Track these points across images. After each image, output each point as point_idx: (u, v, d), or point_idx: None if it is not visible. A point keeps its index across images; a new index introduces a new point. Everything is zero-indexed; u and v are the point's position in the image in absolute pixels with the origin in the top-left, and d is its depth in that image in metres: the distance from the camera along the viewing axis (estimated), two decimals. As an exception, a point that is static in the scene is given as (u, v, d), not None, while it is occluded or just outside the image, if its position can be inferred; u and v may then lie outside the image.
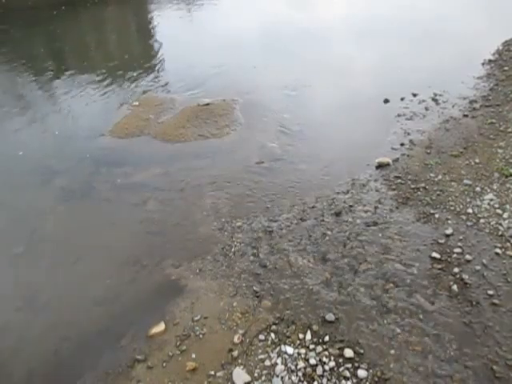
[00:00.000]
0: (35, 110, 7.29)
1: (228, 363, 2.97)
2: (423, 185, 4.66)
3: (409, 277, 3.53)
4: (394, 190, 4.66)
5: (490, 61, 7.91)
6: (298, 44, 9.75)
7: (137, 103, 7.17)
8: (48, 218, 4.66)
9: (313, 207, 4.53)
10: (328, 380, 2.82)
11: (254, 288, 3.57)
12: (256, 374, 2.89)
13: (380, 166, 5.12)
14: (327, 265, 3.74)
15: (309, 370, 2.88)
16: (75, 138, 6.29)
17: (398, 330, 3.10)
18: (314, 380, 2.82)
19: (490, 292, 3.32)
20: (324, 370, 2.87)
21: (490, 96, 6.52)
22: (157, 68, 8.97)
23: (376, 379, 2.79)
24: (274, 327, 3.20)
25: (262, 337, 3.14)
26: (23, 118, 6.94)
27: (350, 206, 4.46)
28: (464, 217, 4.13)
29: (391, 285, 3.47)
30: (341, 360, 2.93)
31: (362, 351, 2.97)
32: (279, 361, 2.95)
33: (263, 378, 2.86)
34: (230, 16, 12.88)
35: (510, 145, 5.16)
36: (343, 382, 2.80)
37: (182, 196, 4.89)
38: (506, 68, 7.44)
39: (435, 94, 6.80)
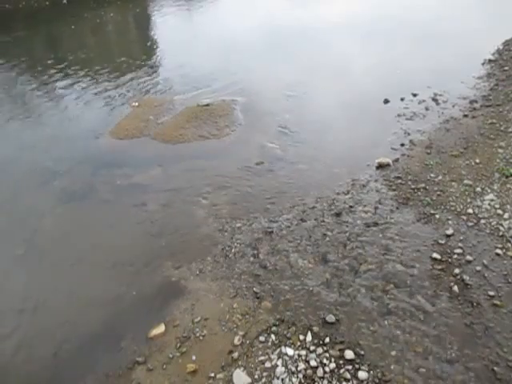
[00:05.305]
0: (35, 111, 7.29)
1: (228, 365, 2.97)
2: (423, 185, 4.65)
3: (409, 278, 3.52)
4: (394, 190, 4.66)
5: (490, 60, 7.90)
6: (298, 44, 9.74)
7: (136, 104, 7.17)
8: (48, 220, 4.66)
9: (313, 208, 4.53)
10: (329, 382, 2.81)
11: (254, 289, 3.56)
12: (256, 376, 2.88)
13: (380, 167, 5.11)
14: (327, 266, 3.73)
15: (309, 371, 2.87)
16: (75, 139, 6.29)
17: (399, 332, 3.09)
18: (314, 382, 2.81)
19: (491, 293, 3.31)
20: (324, 372, 2.86)
21: (491, 96, 6.51)
22: (156, 69, 8.97)
23: (377, 381, 2.78)
24: (274, 328, 3.19)
25: (262, 338, 3.13)
26: (23, 119, 6.94)
27: (351, 207, 4.45)
28: (464, 217, 4.12)
29: (392, 286, 3.46)
30: (341, 361, 2.92)
31: (362, 352, 2.96)
32: (280, 362, 2.94)
33: (263, 379, 2.86)
34: (230, 16, 12.88)
35: (510, 145, 5.15)
36: (344, 383, 2.79)
37: (181, 197, 4.88)
38: (506, 68, 7.43)
39: (435, 94, 6.79)
